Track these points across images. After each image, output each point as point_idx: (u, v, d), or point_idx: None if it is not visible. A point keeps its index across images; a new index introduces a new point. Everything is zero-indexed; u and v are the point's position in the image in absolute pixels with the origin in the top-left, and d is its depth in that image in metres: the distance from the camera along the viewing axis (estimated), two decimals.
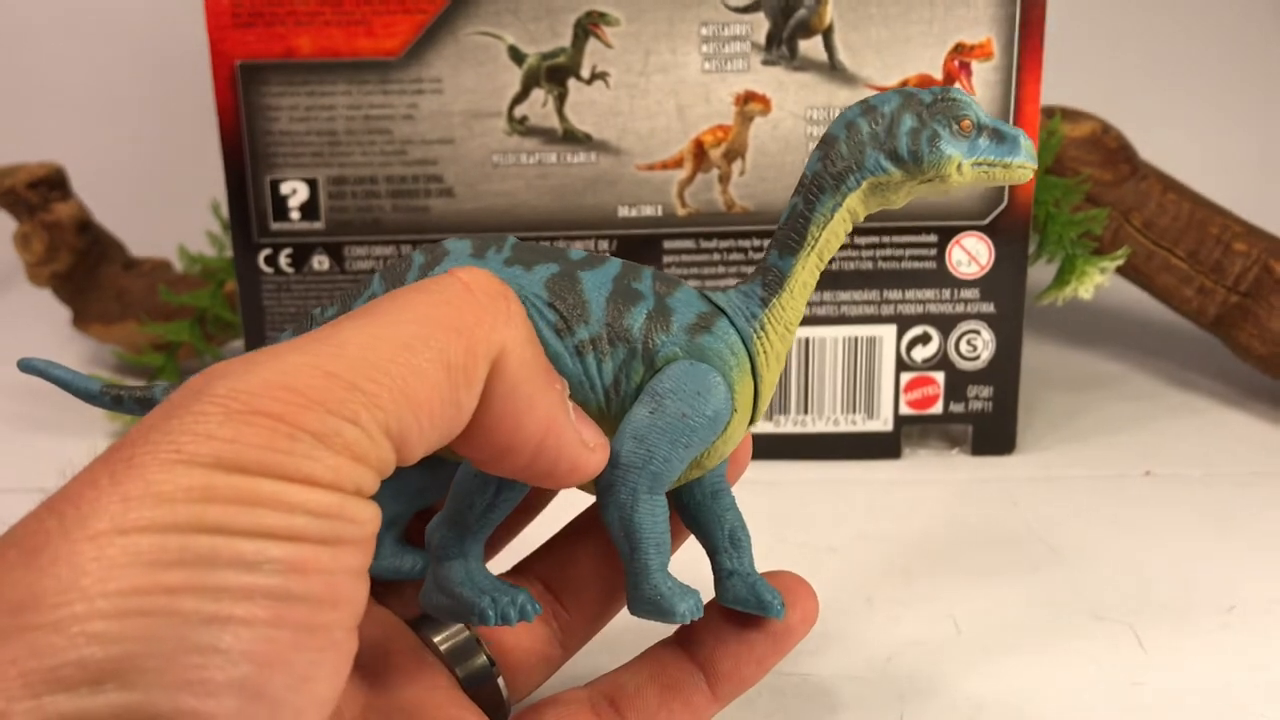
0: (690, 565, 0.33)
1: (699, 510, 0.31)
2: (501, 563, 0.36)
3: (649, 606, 0.28)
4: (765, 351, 0.29)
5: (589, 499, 0.35)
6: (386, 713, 0.29)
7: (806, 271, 0.29)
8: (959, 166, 0.28)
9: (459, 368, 0.23)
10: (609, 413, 0.28)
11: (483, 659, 0.32)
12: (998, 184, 0.29)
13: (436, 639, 0.32)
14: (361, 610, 0.22)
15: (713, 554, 0.31)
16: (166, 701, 0.19)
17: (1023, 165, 0.29)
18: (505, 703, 0.32)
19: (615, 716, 0.31)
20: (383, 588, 0.33)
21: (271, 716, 0.20)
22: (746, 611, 0.31)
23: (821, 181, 0.29)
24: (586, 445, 0.26)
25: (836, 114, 0.49)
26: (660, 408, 0.27)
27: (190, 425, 0.20)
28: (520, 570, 0.34)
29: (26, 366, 0.33)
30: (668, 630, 0.32)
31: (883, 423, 0.54)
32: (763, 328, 0.29)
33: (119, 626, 0.18)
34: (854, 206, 0.29)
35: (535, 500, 0.35)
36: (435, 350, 0.23)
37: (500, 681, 0.32)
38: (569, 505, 0.35)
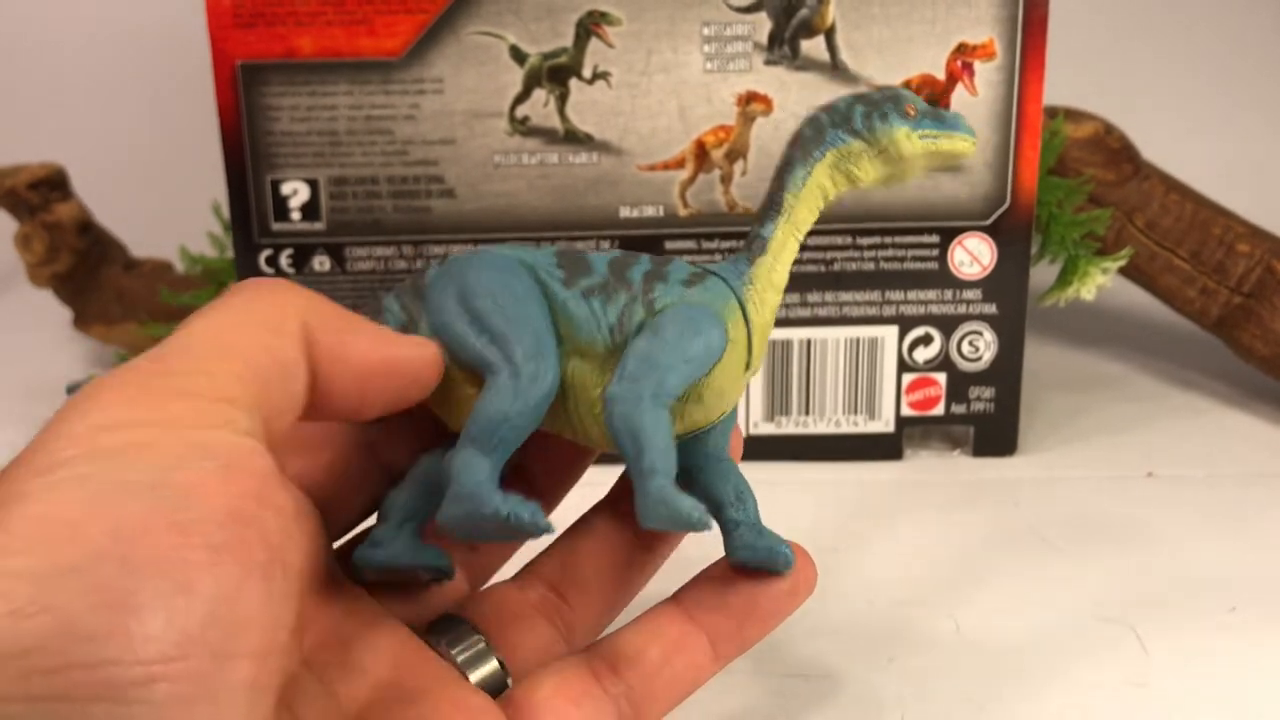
0: (685, 565, 0.33)
1: (702, 472, 0.32)
2: (507, 568, 0.35)
3: (660, 508, 0.28)
4: (754, 301, 0.32)
5: (593, 498, 0.34)
6: (388, 703, 0.29)
7: (785, 236, 0.32)
8: (907, 134, 0.32)
9: (271, 323, 0.26)
10: (614, 347, 0.30)
11: (493, 662, 0.32)
12: (944, 156, 0.33)
13: (446, 643, 0.32)
14: (283, 541, 0.23)
15: (718, 510, 0.32)
16: (91, 621, 0.19)
17: (964, 138, 0.33)
18: (507, 687, 0.32)
19: (615, 679, 0.31)
20: (392, 595, 0.33)
21: (204, 628, 0.20)
22: (754, 561, 0.31)
23: (791, 157, 0.32)
24: (418, 344, 0.30)
25: None
26: (659, 332, 0.30)
27: (69, 412, 0.23)
28: (526, 572, 0.34)
29: (76, 389, 0.33)
30: (666, 593, 0.32)
31: (884, 424, 0.54)
32: (750, 282, 0.32)
33: (33, 560, 0.20)
34: (822, 179, 0.32)
35: (550, 493, 0.35)
36: (245, 318, 0.26)
37: (510, 683, 0.32)
38: (574, 507, 0.35)
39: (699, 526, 0.28)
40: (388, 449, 0.33)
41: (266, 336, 0.25)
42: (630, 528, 0.33)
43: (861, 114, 0.32)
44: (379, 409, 0.29)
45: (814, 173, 0.32)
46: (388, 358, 0.28)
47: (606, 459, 0.34)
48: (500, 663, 0.32)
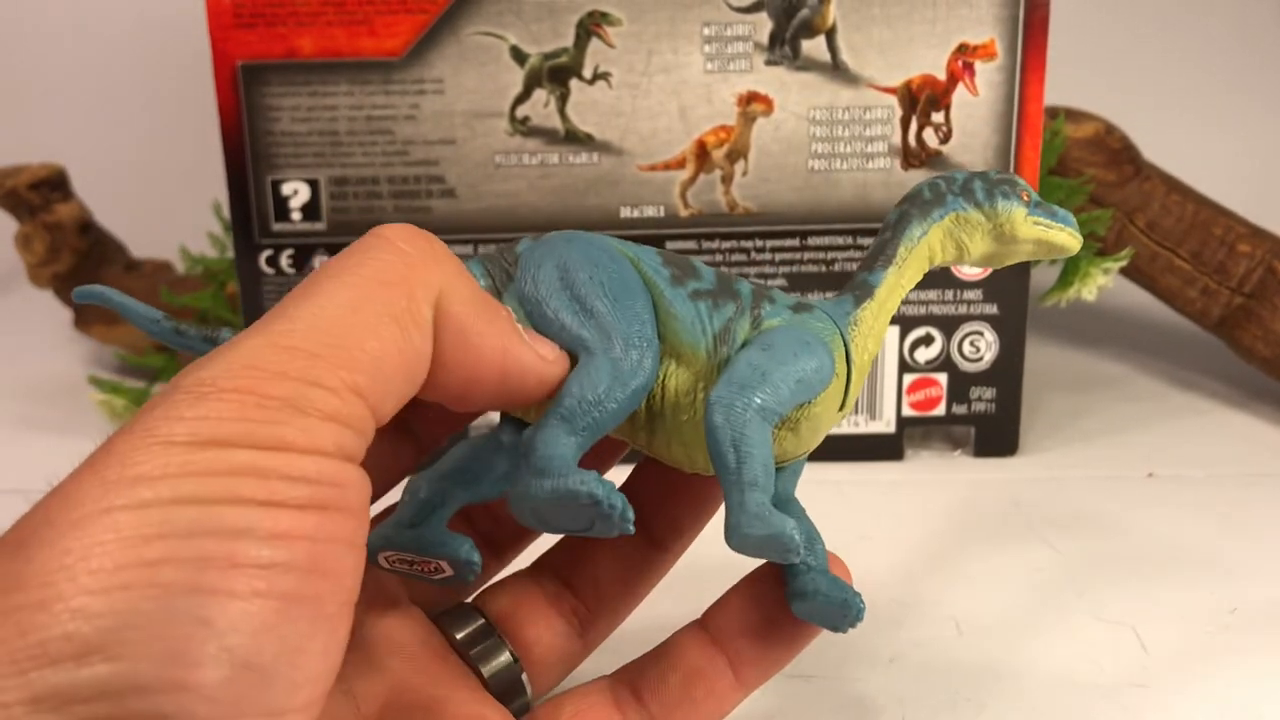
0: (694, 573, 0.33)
1: None
2: (517, 561, 0.35)
3: (757, 524, 0.26)
4: (858, 344, 0.30)
5: None
6: (408, 710, 0.29)
7: (892, 288, 0.31)
8: (1024, 217, 0.32)
9: (405, 314, 0.24)
10: (714, 358, 0.29)
11: (506, 655, 0.31)
12: (1050, 246, 0.33)
13: (459, 636, 0.32)
14: (355, 585, 0.22)
15: None
16: (153, 673, 0.19)
17: (1073, 234, 0.33)
18: (528, 698, 0.32)
19: (637, 706, 0.30)
20: (407, 584, 0.33)
21: (262, 687, 0.20)
22: (825, 609, 0.29)
23: (909, 215, 0.32)
24: (545, 358, 0.27)
25: (838, 114, 0.49)
26: (772, 346, 0.28)
27: (162, 413, 0.21)
28: (538, 567, 0.34)
29: (84, 295, 0.31)
30: (689, 617, 0.32)
31: (885, 424, 0.54)
32: (855, 324, 0.31)
33: (103, 601, 0.19)
34: (934, 241, 0.32)
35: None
36: (379, 304, 0.23)
37: (524, 678, 0.32)
38: None
39: (795, 552, 0.26)
40: (422, 422, 0.31)
41: (399, 332, 0.23)
42: (641, 525, 0.32)
43: (983, 188, 0.32)
44: (480, 406, 0.27)
45: (930, 232, 0.32)
46: (513, 363, 0.26)
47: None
48: (513, 656, 0.32)
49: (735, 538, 0.27)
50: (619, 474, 0.34)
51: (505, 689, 0.31)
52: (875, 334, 0.31)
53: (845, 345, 0.30)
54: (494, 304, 0.27)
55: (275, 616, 0.20)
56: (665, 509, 0.32)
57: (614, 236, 0.31)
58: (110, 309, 0.31)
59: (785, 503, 0.30)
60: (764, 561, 0.31)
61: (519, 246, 0.30)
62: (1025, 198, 0.32)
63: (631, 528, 0.26)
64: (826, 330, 0.30)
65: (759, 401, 0.27)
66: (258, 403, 0.21)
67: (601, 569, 0.33)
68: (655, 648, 0.32)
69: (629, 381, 0.27)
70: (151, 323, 0.32)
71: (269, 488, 0.20)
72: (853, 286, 0.31)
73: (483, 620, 0.32)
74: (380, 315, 0.23)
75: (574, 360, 0.28)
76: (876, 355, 0.31)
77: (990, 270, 0.51)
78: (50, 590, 0.19)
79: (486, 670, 0.31)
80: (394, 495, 0.32)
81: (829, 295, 0.32)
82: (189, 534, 0.19)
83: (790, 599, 0.30)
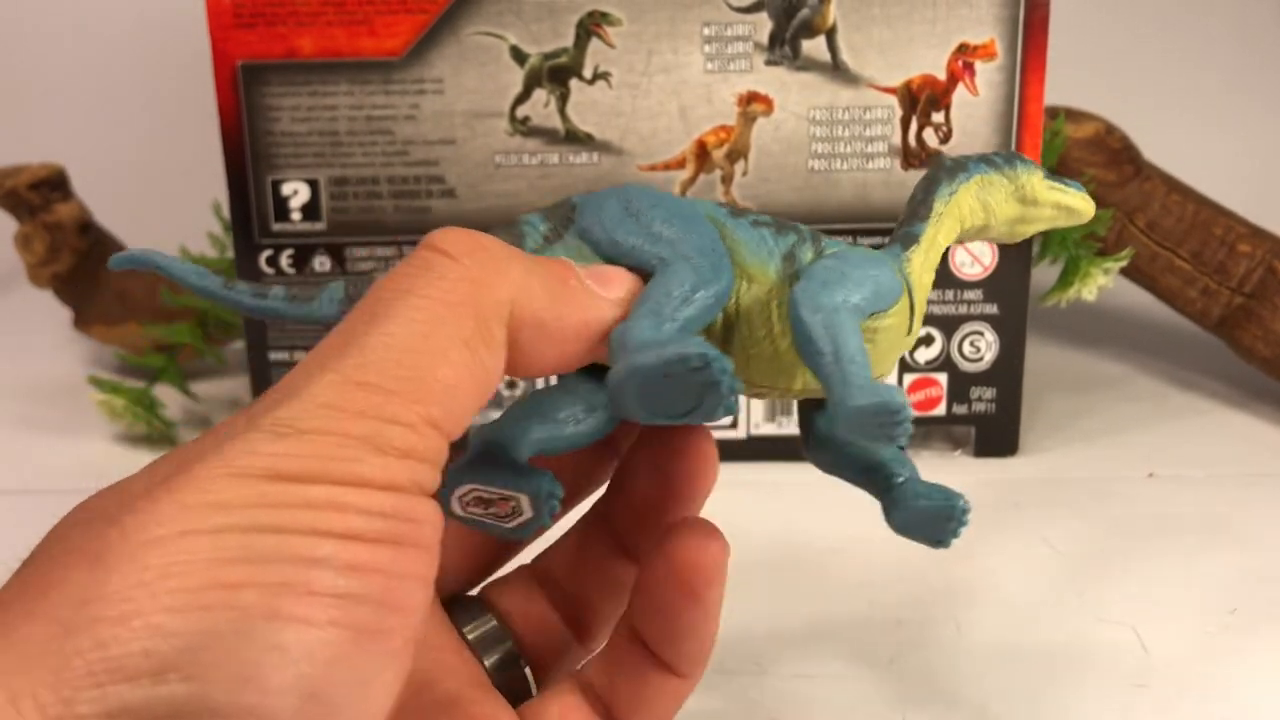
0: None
1: (847, 449, 0.31)
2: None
3: (865, 394, 0.24)
4: (914, 275, 0.31)
5: (595, 497, 0.34)
6: (422, 703, 0.29)
7: (931, 239, 0.32)
8: (1041, 179, 0.33)
9: (475, 337, 0.24)
10: (783, 275, 0.29)
11: (515, 658, 0.32)
12: (1067, 210, 0.33)
13: (472, 636, 0.32)
14: (421, 622, 0.22)
15: (876, 470, 0.30)
16: (225, 695, 0.19)
17: (1086, 200, 0.34)
18: (531, 692, 0.32)
19: (604, 707, 0.30)
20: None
21: (328, 718, 0.20)
22: (931, 511, 0.28)
23: (937, 178, 0.32)
24: (616, 301, 0.27)
25: (838, 114, 0.49)
26: (843, 257, 0.28)
27: (241, 446, 0.21)
28: (537, 569, 0.34)
29: (121, 261, 0.29)
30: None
31: None
32: (908, 261, 0.31)
33: (181, 621, 0.19)
34: (963, 202, 0.32)
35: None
36: (449, 329, 0.23)
37: (527, 671, 0.32)
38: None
39: (907, 420, 0.24)
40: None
41: (470, 357, 0.23)
42: (616, 540, 0.32)
43: (1001, 157, 0.33)
44: (576, 366, 0.27)
45: (959, 192, 0.32)
46: (596, 327, 0.26)
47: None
48: (521, 660, 0.32)
49: (843, 413, 0.25)
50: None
51: (505, 681, 0.32)
52: (927, 273, 0.31)
53: (905, 279, 0.30)
54: (559, 274, 0.26)
55: (348, 648, 0.20)
56: (640, 526, 0.32)
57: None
58: (153, 272, 0.30)
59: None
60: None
61: (573, 199, 0.30)
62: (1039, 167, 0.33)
63: (736, 403, 0.25)
64: (887, 257, 0.30)
65: (842, 295, 0.27)
66: (337, 442, 0.21)
67: (590, 585, 0.33)
68: (603, 648, 0.31)
69: (710, 283, 0.27)
70: (197, 276, 0.30)
71: (346, 521, 0.21)
72: (896, 239, 0.32)
73: (494, 622, 0.32)
74: (451, 340, 0.23)
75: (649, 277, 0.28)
76: (928, 296, 0.32)
77: (991, 270, 0.51)
78: (130, 605, 0.19)
79: (489, 663, 0.31)
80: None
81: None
82: (268, 560, 0.20)
83: (889, 511, 0.29)
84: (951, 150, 0.50)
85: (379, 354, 0.23)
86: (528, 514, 0.28)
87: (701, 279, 0.27)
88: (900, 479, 0.29)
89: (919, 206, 0.32)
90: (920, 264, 0.31)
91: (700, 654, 0.29)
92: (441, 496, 0.28)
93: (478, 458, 0.28)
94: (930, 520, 0.28)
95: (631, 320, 0.26)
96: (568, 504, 0.33)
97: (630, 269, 0.28)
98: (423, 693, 0.29)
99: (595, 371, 0.29)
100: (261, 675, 0.19)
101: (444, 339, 0.23)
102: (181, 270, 0.30)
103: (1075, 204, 0.34)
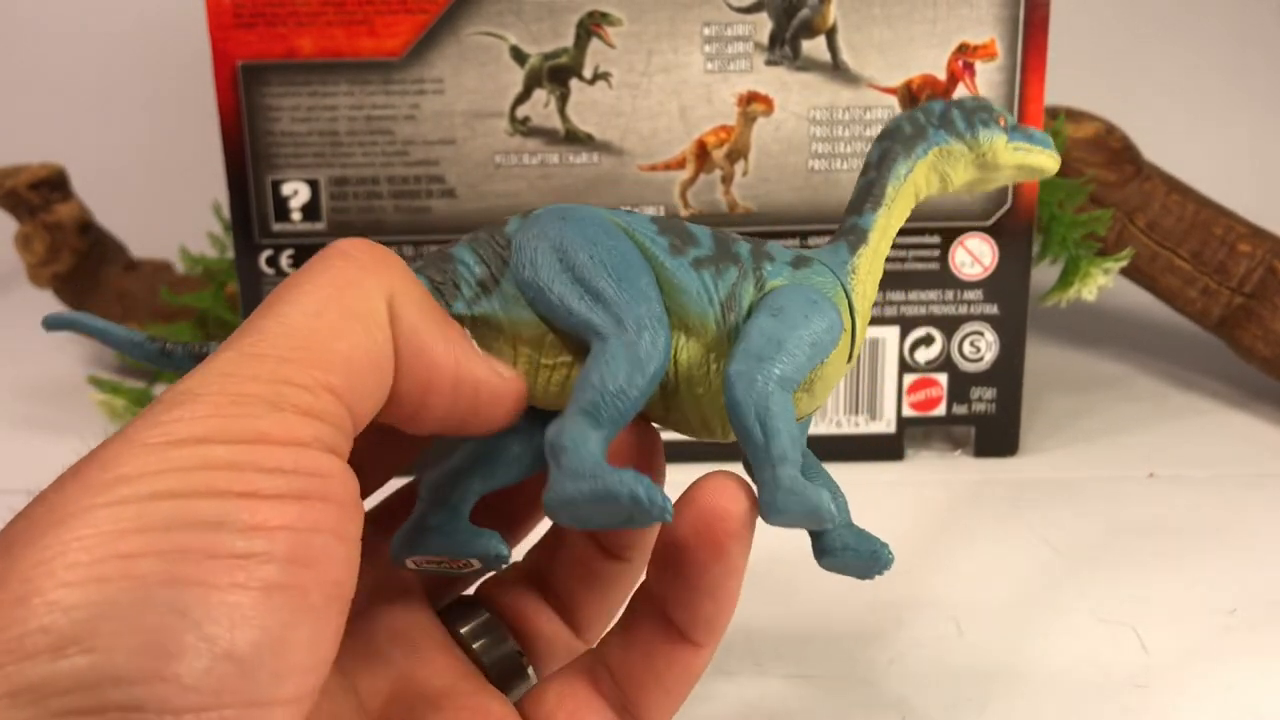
0: None
1: None
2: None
3: (793, 499, 0.26)
4: (858, 291, 0.30)
5: None
6: (411, 702, 0.29)
7: (885, 227, 0.31)
8: (1005, 143, 0.32)
9: (366, 314, 0.24)
10: (723, 327, 0.28)
11: (510, 647, 0.31)
12: (1031, 169, 0.33)
13: (464, 630, 0.32)
14: (346, 577, 0.22)
15: None
16: (129, 663, 0.19)
17: (1052, 155, 0.33)
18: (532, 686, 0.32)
19: (613, 684, 0.30)
20: (415, 579, 0.33)
21: (243, 677, 0.20)
22: (854, 564, 0.29)
23: (893, 154, 0.32)
24: (500, 374, 0.27)
25: (839, 114, 0.49)
26: (782, 312, 0.28)
27: (142, 420, 0.21)
28: (530, 567, 0.34)
29: (54, 322, 0.30)
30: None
31: (886, 424, 0.54)
32: (853, 271, 0.30)
33: (79, 594, 0.19)
34: (919, 178, 0.32)
35: None
36: (339, 307, 0.24)
37: (530, 669, 0.32)
38: None
39: (832, 521, 0.26)
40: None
41: (362, 331, 0.24)
42: (594, 540, 0.32)
43: (962, 117, 0.32)
44: (433, 425, 0.26)
45: (915, 169, 0.32)
46: (466, 373, 0.26)
47: None
48: (517, 649, 0.32)
49: (771, 514, 0.26)
50: None
51: (509, 679, 0.31)
52: (872, 278, 0.31)
53: (848, 296, 0.30)
54: (448, 318, 0.27)
55: (254, 607, 0.20)
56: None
57: (604, 208, 0.30)
58: (89, 332, 0.31)
59: (807, 467, 0.30)
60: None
61: (508, 227, 0.29)
62: (1003, 123, 0.32)
63: (670, 517, 0.25)
64: (829, 285, 0.29)
65: (779, 372, 0.27)
66: (233, 400, 0.21)
67: (575, 582, 0.33)
68: (617, 622, 0.31)
69: (647, 366, 0.27)
70: (134, 346, 0.31)
71: (245, 479, 0.21)
72: (844, 232, 0.31)
73: (487, 614, 0.32)
74: (343, 316, 0.24)
75: (585, 341, 0.27)
76: (874, 300, 0.31)
77: (991, 270, 0.51)
78: (28, 586, 0.19)
79: (490, 661, 0.31)
80: (387, 489, 0.32)
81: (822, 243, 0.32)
82: (165, 527, 0.20)
83: (817, 555, 0.29)
84: None
85: (273, 331, 0.23)
86: (479, 567, 0.30)
87: (636, 363, 0.27)
88: (830, 530, 0.29)
89: (871, 187, 0.32)
90: (867, 268, 0.31)
91: (719, 618, 0.29)
92: (394, 554, 0.29)
93: (421, 522, 0.29)
94: (855, 567, 0.29)
95: (568, 422, 0.26)
96: (529, 519, 0.34)
97: (564, 329, 0.28)
98: (410, 691, 0.29)
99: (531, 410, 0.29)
100: (165, 641, 0.19)
101: (336, 316, 0.24)
102: (119, 338, 0.31)
103: (1039, 164, 0.33)
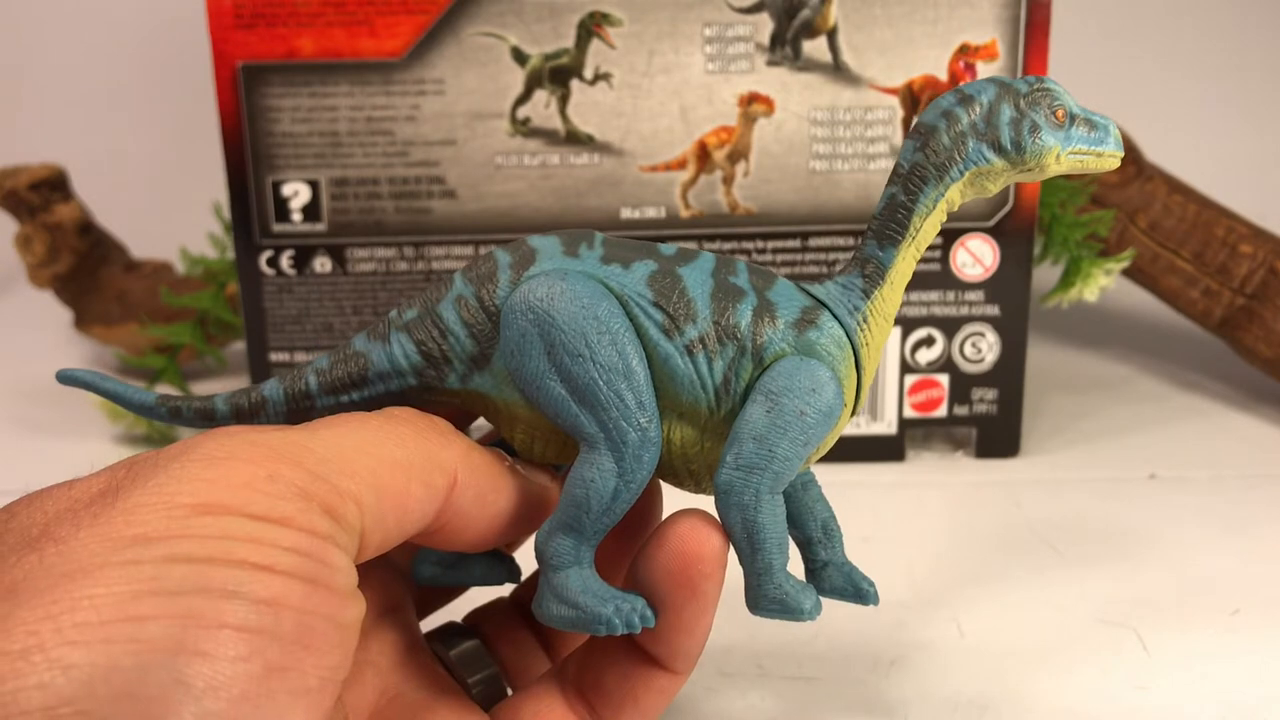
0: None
1: (791, 503, 0.31)
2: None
3: (775, 606, 0.28)
4: (867, 344, 0.29)
5: None
6: (393, 716, 0.29)
7: (906, 262, 0.29)
8: (1057, 156, 0.29)
9: (416, 466, 0.25)
10: (719, 412, 0.28)
11: (492, 668, 0.32)
12: (1088, 173, 0.30)
13: (452, 653, 0.32)
14: (341, 664, 0.22)
15: (805, 546, 0.31)
16: None
17: (1113, 154, 0.29)
18: None
19: (584, 705, 0.30)
20: (405, 599, 0.33)
21: None
22: (843, 601, 0.31)
23: (924, 172, 0.29)
24: (545, 486, 0.29)
25: (840, 115, 0.49)
26: (776, 406, 0.27)
27: (175, 472, 0.22)
28: (522, 590, 0.34)
29: (67, 378, 0.31)
30: None
31: (887, 425, 0.54)
32: (865, 320, 0.29)
33: (83, 654, 0.19)
34: (954, 196, 0.29)
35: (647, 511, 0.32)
36: (394, 450, 0.25)
37: (509, 693, 0.32)
38: None
39: (810, 619, 0.28)
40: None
41: (404, 479, 0.25)
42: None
43: (1009, 125, 0.28)
44: (491, 545, 0.29)
45: (948, 193, 0.29)
46: (519, 514, 0.28)
47: None
48: (498, 670, 0.32)
49: (754, 610, 0.28)
50: None
51: (490, 702, 0.32)
52: (886, 320, 0.29)
53: (855, 353, 0.29)
54: (502, 466, 0.28)
55: (255, 685, 0.20)
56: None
57: (611, 234, 0.30)
58: (102, 394, 0.31)
59: (806, 484, 0.31)
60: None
61: (497, 294, 0.28)
62: (1060, 117, 0.29)
63: (645, 624, 0.28)
64: (834, 348, 0.28)
65: (769, 483, 0.27)
66: (267, 475, 0.22)
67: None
68: (585, 643, 0.31)
69: (636, 475, 0.27)
70: (146, 409, 0.31)
71: (262, 552, 0.21)
72: (861, 261, 0.29)
73: (474, 640, 0.33)
74: (394, 455, 0.25)
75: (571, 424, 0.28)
76: (885, 343, 0.30)
77: (992, 271, 0.51)
78: (33, 640, 0.19)
79: (473, 682, 0.32)
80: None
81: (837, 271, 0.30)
82: (179, 592, 0.20)
83: (810, 582, 0.31)
84: None
85: (325, 440, 0.24)
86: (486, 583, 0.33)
87: (624, 475, 0.27)
88: (822, 563, 0.31)
89: (896, 214, 0.29)
90: (880, 314, 0.29)
91: (694, 650, 0.29)
92: (419, 577, 0.32)
93: (452, 557, 0.32)
94: (844, 598, 0.31)
95: (554, 533, 0.28)
96: (510, 549, 0.34)
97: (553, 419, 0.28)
98: (393, 704, 0.30)
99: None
100: (162, 710, 0.19)
101: (387, 454, 0.25)
102: (129, 400, 0.31)
103: (1095, 166, 0.29)
